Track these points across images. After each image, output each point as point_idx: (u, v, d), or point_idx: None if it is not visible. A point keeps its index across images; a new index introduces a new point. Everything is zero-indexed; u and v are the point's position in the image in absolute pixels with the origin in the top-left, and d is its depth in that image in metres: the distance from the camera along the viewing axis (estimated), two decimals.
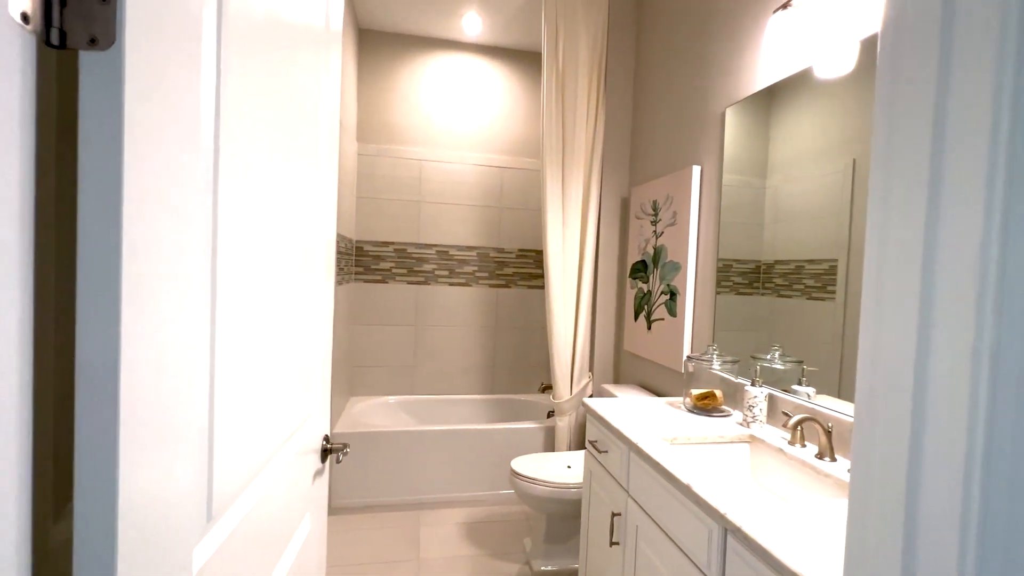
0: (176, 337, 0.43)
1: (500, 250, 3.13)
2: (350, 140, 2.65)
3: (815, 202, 1.29)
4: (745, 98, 1.59)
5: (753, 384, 1.38)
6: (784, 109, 1.42)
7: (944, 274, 0.37)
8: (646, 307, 2.18)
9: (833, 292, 1.23)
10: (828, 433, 1.11)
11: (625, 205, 2.50)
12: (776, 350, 1.40)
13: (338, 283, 2.38)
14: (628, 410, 1.49)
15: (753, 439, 1.29)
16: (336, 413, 2.50)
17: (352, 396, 2.96)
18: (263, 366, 0.63)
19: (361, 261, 2.95)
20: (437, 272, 3.05)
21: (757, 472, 1.26)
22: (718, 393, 1.50)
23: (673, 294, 1.95)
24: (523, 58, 3.10)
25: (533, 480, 1.83)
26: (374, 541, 2.15)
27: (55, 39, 0.34)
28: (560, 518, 1.93)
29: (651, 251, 2.15)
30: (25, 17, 0.31)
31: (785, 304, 1.38)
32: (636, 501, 1.23)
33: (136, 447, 0.38)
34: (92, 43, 0.34)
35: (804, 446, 1.19)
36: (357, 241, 2.94)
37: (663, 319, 2.03)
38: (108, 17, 0.34)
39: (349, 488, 2.40)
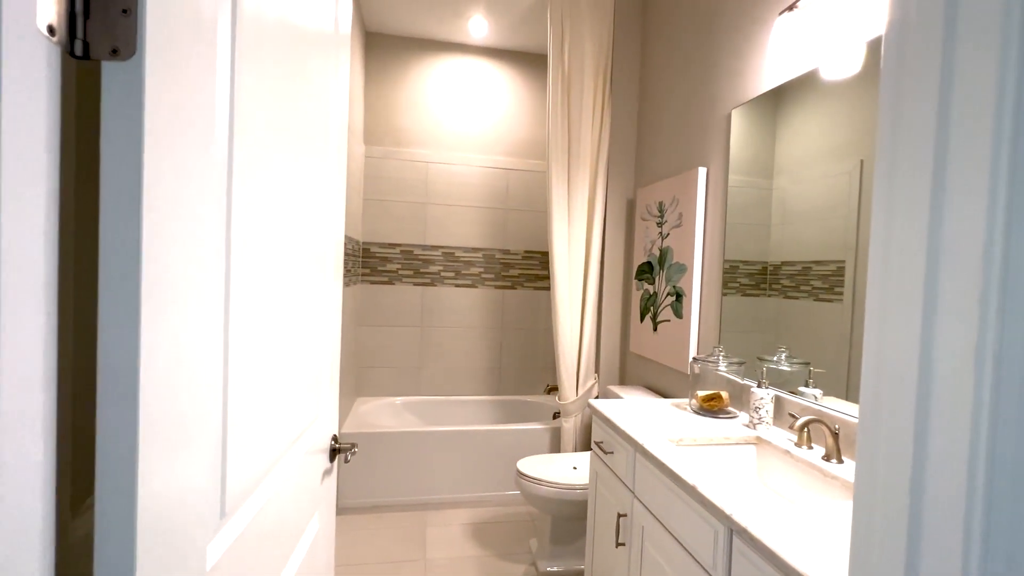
0: (192, 339, 0.44)
1: (506, 251, 3.13)
2: (357, 143, 2.67)
3: (822, 203, 1.29)
4: (751, 100, 1.59)
5: (759, 386, 1.37)
6: (791, 110, 1.42)
7: (947, 275, 0.37)
8: (652, 308, 2.18)
9: (840, 293, 1.23)
10: (835, 435, 1.11)
11: (631, 207, 2.50)
12: (783, 352, 1.40)
13: (345, 284, 2.39)
14: (634, 411, 1.49)
15: (759, 441, 1.29)
16: (343, 414, 2.51)
17: (359, 397, 2.98)
18: (274, 367, 0.64)
19: (368, 263, 2.97)
20: (443, 273, 3.06)
21: (763, 474, 1.26)
22: (724, 395, 1.50)
23: (679, 296, 1.95)
24: (529, 60, 3.11)
25: (539, 481, 1.84)
26: (381, 541, 2.16)
27: (79, 50, 0.35)
28: (566, 519, 1.93)
29: (657, 252, 2.15)
30: (51, 29, 0.33)
31: (792, 306, 1.37)
32: (642, 502, 1.23)
33: (154, 445, 0.39)
34: (114, 53, 0.35)
35: (811, 448, 1.19)
36: (364, 243, 2.96)
37: (669, 320, 2.03)
38: (129, 28, 0.35)
39: (356, 488, 2.41)
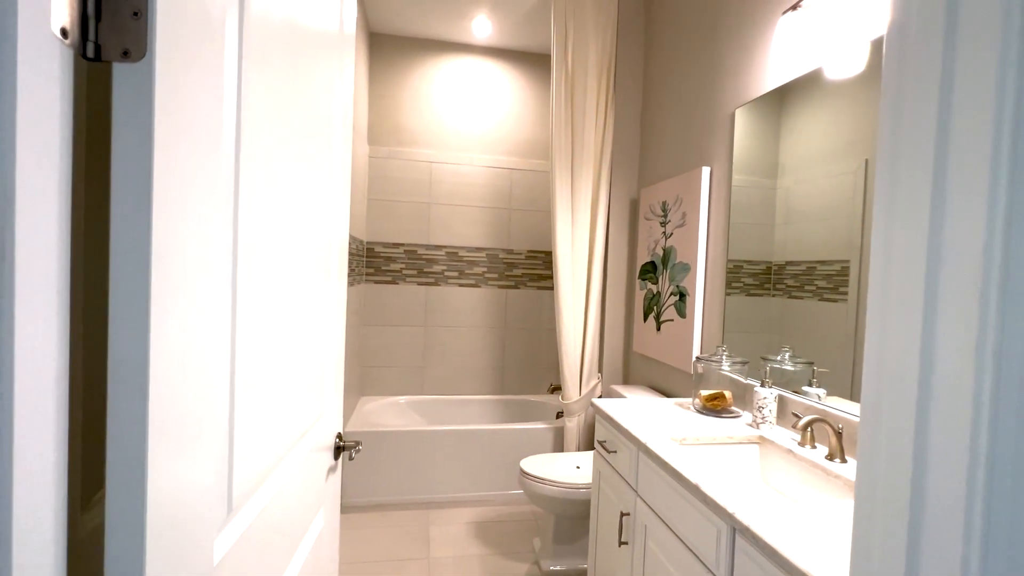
0: (200, 337, 0.45)
1: (509, 251, 3.14)
2: (361, 143, 2.68)
3: (827, 203, 1.29)
4: (755, 99, 1.59)
5: (763, 385, 1.37)
6: (795, 110, 1.41)
7: (948, 275, 0.37)
8: (655, 308, 2.18)
9: (845, 293, 1.22)
10: (838, 434, 1.11)
11: (634, 206, 2.50)
12: (786, 351, 1.40)
13: (349, 284, 2.40)
14: (637, 411, 1.50)
15: (763, 440, 1.29)
16: (347, 413, 2.53)
17: (363, 396, 2.99)
18: (279, 365, 0.65)
19: (372, 262, 2.98)
20: (447, 273, 3.07)
21: (766, 473, 1.26)
22: (727, 394, 1.50)
23: (682, 295, 1.95)
24: (532, 60, 3.12)
25: (542, 480, 1.84)
26: (385, 539, 2.17)
27: (91, 52, 0.36)
28: (569, 518, 1.93)
29: (660, 252, 2.15)
30: (64, 32, 0.33)
31: (796, 305, 1.37)
32: (645, 501, 1.23)
33: (163, 441, 0.40)
34: (125, 55, 0.36)
35: (814, 447, 1.19)
36: (368, 242, 2.97)
37: (672, 320, 2.03)
38: (140, 30, 0.36)
39: (360, 487, 2.42)
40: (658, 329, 2.15)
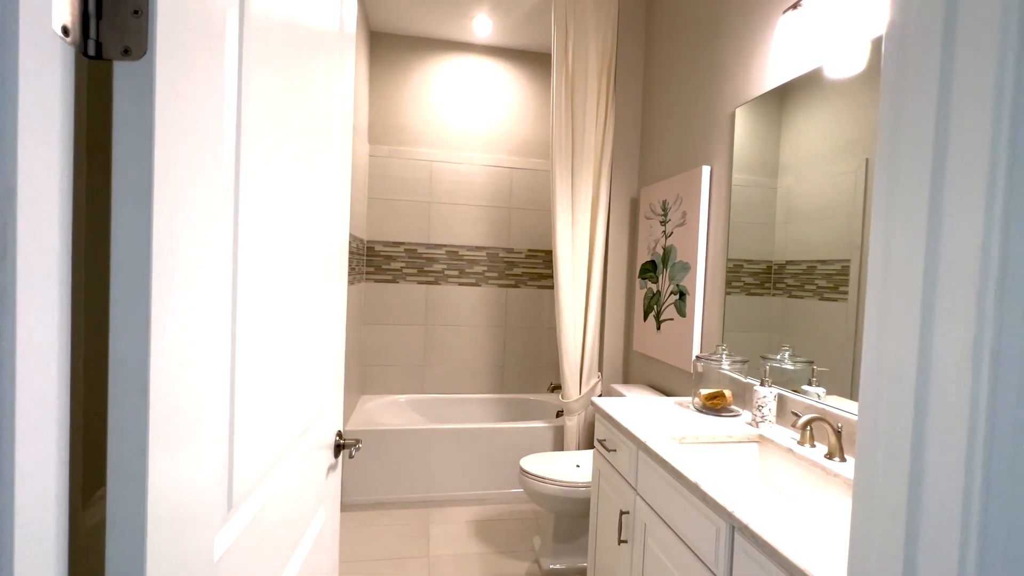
0: (200, 334, 0.45)
1: (510, 250, 3.14)
2: (362, 141, 2.68)
3: (827, 202, 1.29)
4: (755, 98, 1.59)
5: (762, 384, 1.38)
6: (795, 109, 1.41)
7: (946, 275, 0.37)
8: (655, 307, 2.18)
9: (845, 293, 1.22)
10: (838, 433, 1.11)
11: (634, 205, 2.50)
12: (786, 350, 1.40)
13: (349, 283, 2.41)
14: (637, 409, 1.50)
15: (762, 439, 1.30)
16: (347, 411, 2.53)
17: (363, 394, 2.99)
18: (280, 362, 0.65)
19: (372, 261, 2.98)
20: (447, 272, 3.07)
21: (766, 472, 1.26)
22: (727, 393, 1.50)
23: (682, 294, 1.95)
24: (533, 59, 3.12)
25: (542, 479, 1.84)
26: (385, 537, 2.17)
27: (91, 50, 0.36)
28: (569, 517, 1.94)
29: (660, 251, 2.15)
30: (65, 30, 0.33)
31: (797, 305, 1.37)
32: (644, 499, 1.23)
33: (164, 438, 0.40)
34: (126, 53, 0.36)
35: (813, 446, 1.19)
36: (368, 241, 2.97)
37: (672, 319, 2.03)
38: (141, 29, 0.36)
39: (360, 485, 2.43)
40: (658, 328, 2.15)
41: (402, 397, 3.00)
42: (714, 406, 1.50)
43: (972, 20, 0.36)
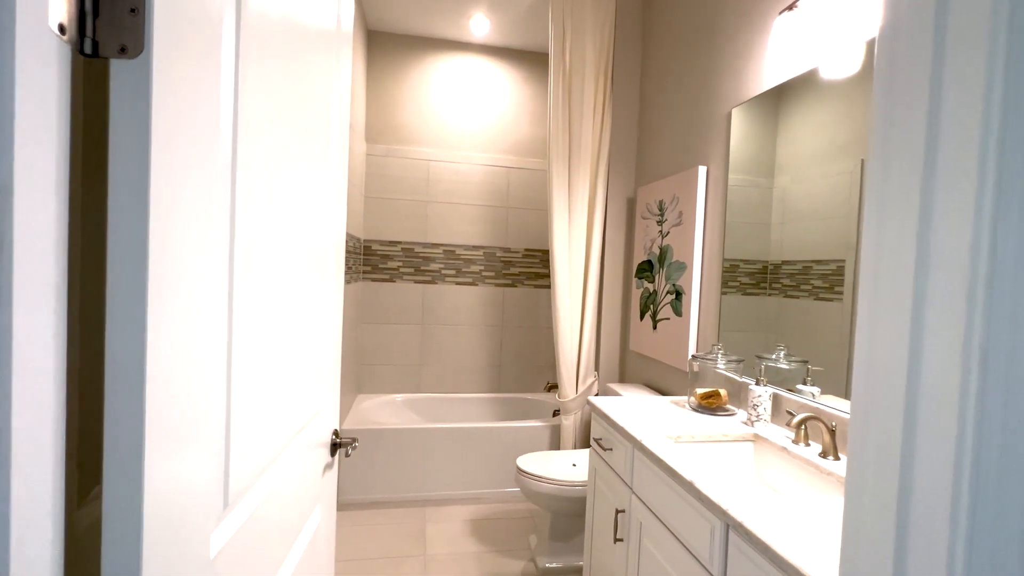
0: (196, 333, 0.45)
1: (507, 250, 3.14)
2: (359, 140, 2.67)
3: (823, 203, 1.29)
4: (751, 99, 1.59)
5: (758, 383, 1.38)
6: (791, 110, 1.42)
7: (936, 274, 0.38)
8: (652, 307, 2.19)
9: (840, 293, 1.23)
10: (832, 432, 1.12)
11: (631, 205, 2.51)
12: (781, 350, 1.41)
13: (347, 282, 2.40)
14: (633, 408, 1.50)
15: (757, 438, 1.30)
16: (344, 410, 2.53)
17: (360, 394, 2.99)
18: (276, 361, 0.65)
19: (369, 260, 2.98)
20: (444, 271, 3.07)
21: (761, 470, 1.27)
22: (722, 392, 1.51)
23: (679, 294, 1.96)
24: (530, 59, 3.12)
25: (539, 478, 1.85)
26: (381, 536, 2.17)
27: (88, 48, 0.36)
28: (565, 515, 1.94)
29: (657, 251, 2.16)
30: (62, 28, 0.33)
31: (792, 304, 1.38)
32: (640, 498, 1.24)
33: (159, 435, 0.40)
34: (122, 52, 0.36)
35: (808, 445, 1.20)
36: (365, 240, 2.97)
37: (668, 319, 2.03)
38: (137, 27, 0.36)
39: (357, 484, 2.43)
40: (654, 328, 2.16)
41: (399, 396, 3.00)
42: (710, 405, 1.50)
43: (962, 22, 0.36)
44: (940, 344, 0.38)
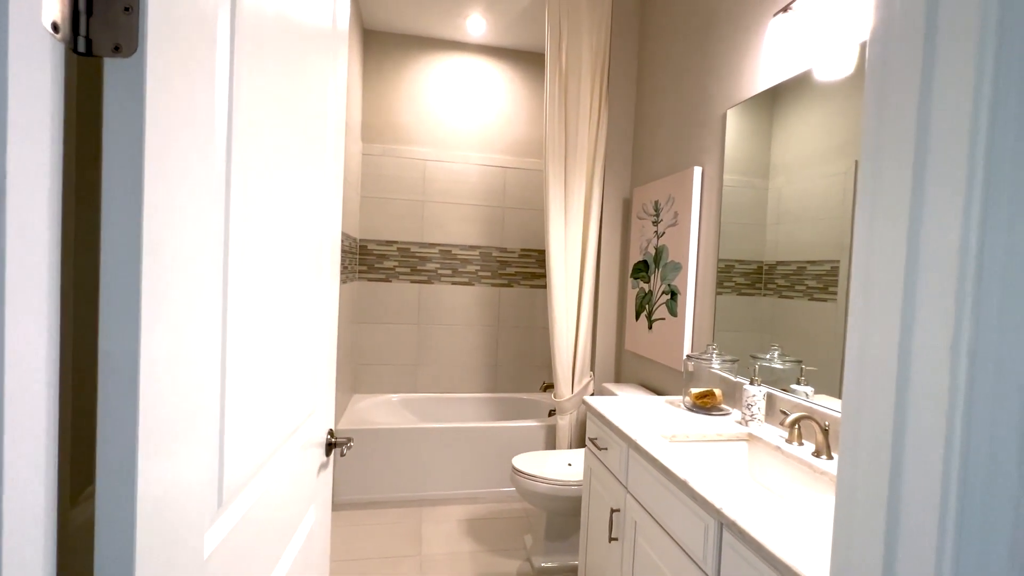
0: (190, 331, 0.45)
1: (503, 249, 3.14)
2: (355, 140, 2.67)
3: (818, 204, 1.30)
4: (746, 100, 1.60)
5: (752, 383, 1.39)
6: (786, 111, 1.43)
7: (926, 274, 0.38)
8: (647, 307, 2.19)
9: (835, 293, 1.24)
10: (825, 431, 1.12)
11: (627, 205, 2.51)
12: (775, 350, 1.42)
13: (342, 281, 2.40)
14: (628, 408, 1.51)
15: (751, 437, 1.31)
16: (340, 410, 2.52)
17: (355, 393, 2.98)
18: (271, 361, 0.65)
19: (365, 260, 2.98)
20: (440, 271, 3.07)
21: (754, 469, 1.27)
22: (717, 392, 1.51)
23: (674, 294, 1.96)
24: (526, 59, 3.12)
25: (534, 477, 1.85)
26: (377, 536, 2.17)
27: (82, 47, 0.36)
28: (560, 515, 1.94)
29: (652, 251, 2.16)
30: (55, 26, 0.33)
31: (787, 305, 1.39)
32: (635, 497, 1.24)
33: (153, 435, 0.40)
34: (116, 50, 0.36)
35: (801, 444, 1.21)
36: (361, 240, 2.96)
37: (664, 319, 2.04)
38: (131, 26, 0.36)
39: (352, 484, 2.42)
40: (650, 328, 2.16)
41: (395, 396, 3.00)
42: (704, 405, 1.51)
43: (952, 24, 0.37)
44: (929, 343, 0.38)
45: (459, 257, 3.09)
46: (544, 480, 1.84)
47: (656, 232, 2.14)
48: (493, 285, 3.14)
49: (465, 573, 1.94)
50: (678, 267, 1.94)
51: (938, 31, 0.38)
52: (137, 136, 0.37)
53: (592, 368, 2.54)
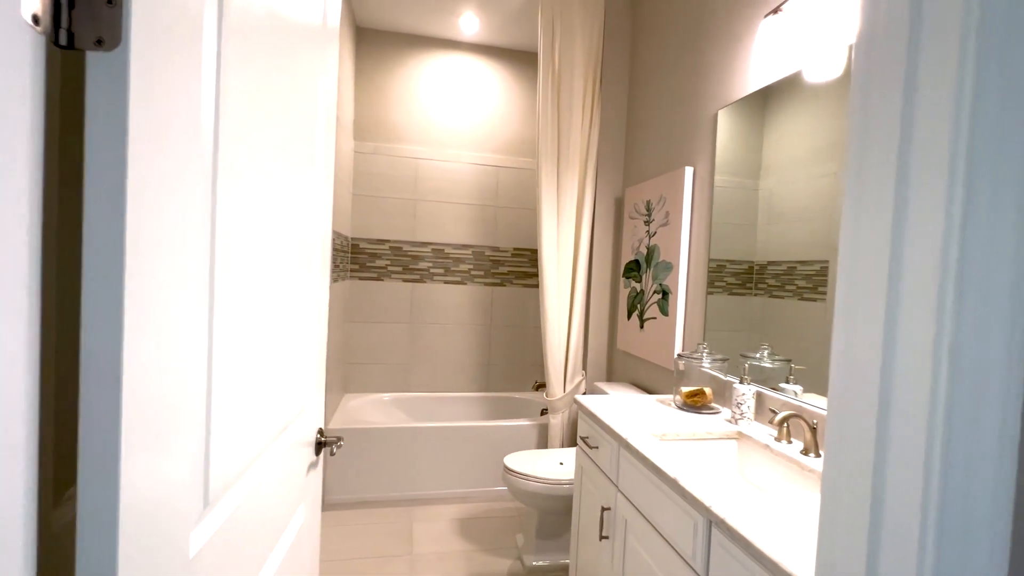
0: (175, 329, 0.44)
1: (495, 249, 3.14)
2: (347, 138, 2.65)
3: (808, 204, 1.31)
4: (737, 100, 1.61)
5: (742, 382, 1.40)
6: (777, 112, 1.44)
7: (908, 274, 0.39)
8: (639, 306, 2.20)
9: (824, 293, 1.25)
10: (813, 429, 1.13)
11: (619, 205, 2.52)
12: (765, 349, 1.43)
13: (334, 280, 2.39)
14: (619, 407, 1.51)
15: (741, 435, 1.32)
16: (331, 410, 2.51)
17: (347, 393, 2.97)
18: (259, 359, 0.65)
19: (357, 258, 2.96)
20: (432, 270, 3.06)
21: (744, 468, 1.28)
22: (707, 391, 1.52)
23: (665, 293, 1.97)
24: (519, 58, 3.12)
25: (526, 476, 1.85)
26: (368, 536, 2.16)
27: (63, 40, 0.35)
28: (552, 514, 1.95)
29: (644, 251, 2.17)
30: (35, 19, 0.33)
31: (777, 305, 1.40)
32: (625, 496, 1.25)
33: (137, 434, 0.40)
34: (99, 44, 0.36)
35: (790, 442, 1.22)
36: (353, 238, 2.95)
37: (655, 318, 2.05)
38: (114, 18, 0.36)
39: (343, 484, 2.41)
40: (641, 327, 2.17)
41: (386, 395, 2.99)
42: (695, 404, 1.52)
43: (935, 28, 0.37)
44: (912, 342, 0.39)
45: (451, 256, 3.08)
46: (536, 479, 1.84)
47: (648, 232, 2.14)
48: (486, 284, 3.14)
49: (456, 572, 1.94)
50: (669, 267, 1.95)
51: (921, 35, 0.38)
52: (120, 131, 0.37)
53: (584, 367, 2.54)
